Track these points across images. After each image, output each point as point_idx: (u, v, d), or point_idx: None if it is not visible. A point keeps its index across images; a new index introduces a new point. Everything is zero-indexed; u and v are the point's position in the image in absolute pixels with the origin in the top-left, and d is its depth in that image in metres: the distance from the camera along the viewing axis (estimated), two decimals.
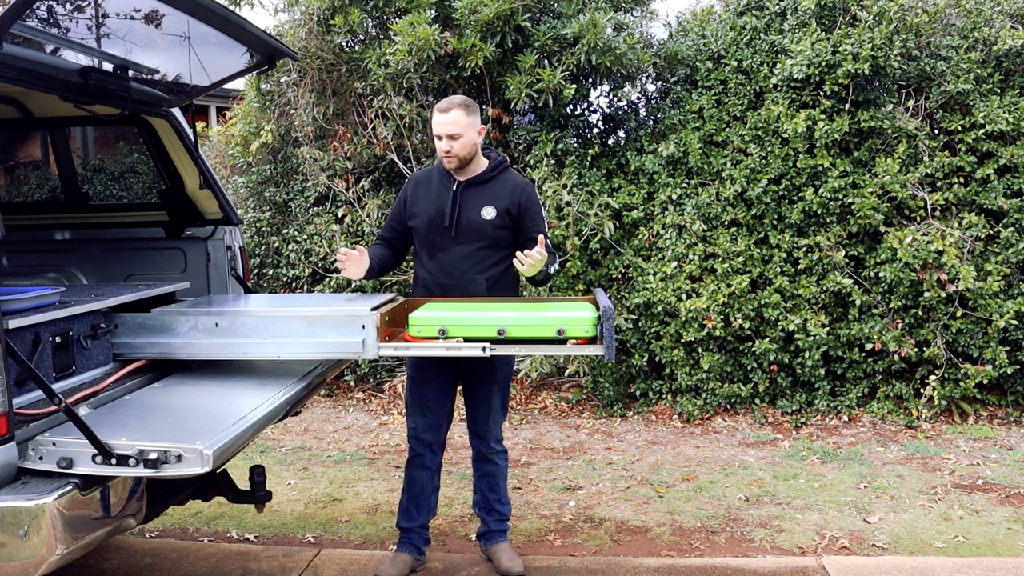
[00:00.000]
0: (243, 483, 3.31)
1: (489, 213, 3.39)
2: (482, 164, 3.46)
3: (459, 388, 3.66)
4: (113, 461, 2.27)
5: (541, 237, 3.21)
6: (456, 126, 3.31)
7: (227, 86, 4.02)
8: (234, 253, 4.04)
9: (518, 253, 3.21)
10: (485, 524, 3.69)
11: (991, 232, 5.64)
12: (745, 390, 5.85)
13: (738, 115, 6.05)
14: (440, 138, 3.35)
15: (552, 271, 3.38)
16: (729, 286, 5.72)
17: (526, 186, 3.47)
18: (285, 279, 6.84)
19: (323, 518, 4.30)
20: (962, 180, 5.77)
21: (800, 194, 5.79)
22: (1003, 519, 4.12)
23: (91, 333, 2.96)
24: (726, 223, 5.92)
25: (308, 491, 4.69)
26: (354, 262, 3.34)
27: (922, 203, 5.68)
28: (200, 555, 3.85)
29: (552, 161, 6.03)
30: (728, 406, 5.96)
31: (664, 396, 6.06)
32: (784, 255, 5.82)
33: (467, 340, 2.92)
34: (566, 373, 6.20)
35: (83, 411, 2.56)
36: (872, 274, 5.72)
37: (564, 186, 5.90)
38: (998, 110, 5.58)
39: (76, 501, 2.27)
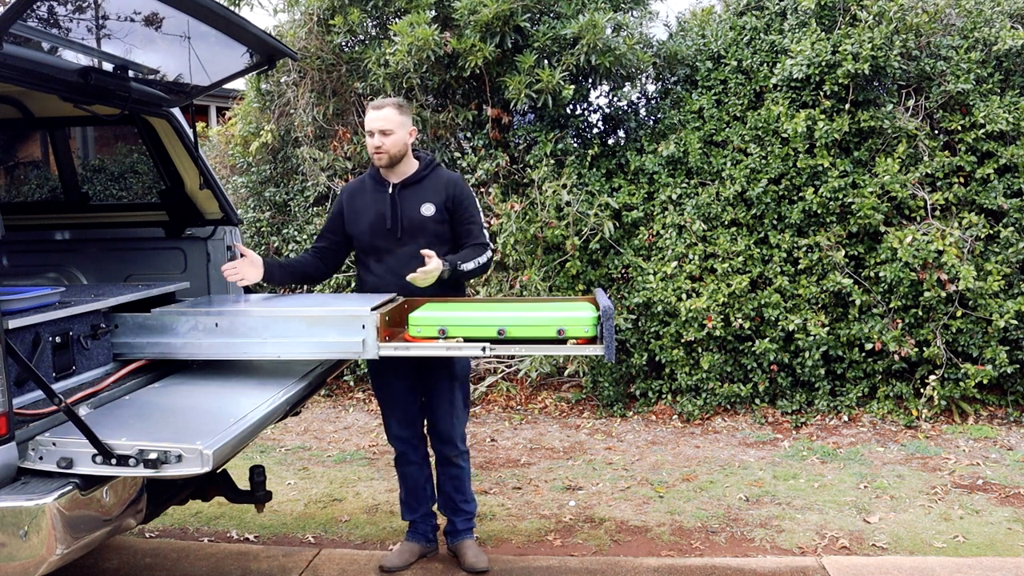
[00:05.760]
0: (243, 483, 3.32)
1: (428, 210, 3.47)
2: (413, 165, 3.54)
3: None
4: (113, 461, 2.27)
5: (431, 252, 3.26)
6: (388, 122, 3.40)
7: (227, 86, 4.02)
8: (234, 253, 4.03)
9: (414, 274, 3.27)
10: (452, 524, 3.73)
11: (991, 232, 5.64)
12: (745, 390, 5.85)
13: (738, 115, 6.05)
14: (372, 134, 3.42)
15: (467, 268, 3.42)
16: (729, 286, 5.72)
17: (458, 180, 3.57)
18: None
19: (323, 518, 4.30)
20: (962, 180, 5.77)
21: (800, 194, 5.79)
22: (1003, 519, 4.12)
23: (91, 333, 2.96)
24: (726, 223, 5.92)
25: (308, 491, 4.69)
26: (246, 265, 3.37)
27: (922, 203, 5.68)
28: (200, 555, 3.85)
29: (552, 161, 6.03)
30: (728, 406, 5.96)
31: (664, 396, 6.06)
32: (784, 255, 5.82)
33: (467, 340, 2.93)
34: (566, 373, 6.20)
35: (83, 411, 2.56)
36: (872, 274, 5.72)
37: (564, 186, 5.90)
38: (998, 110, 5.58)
39: (76, 501, 2.26)
